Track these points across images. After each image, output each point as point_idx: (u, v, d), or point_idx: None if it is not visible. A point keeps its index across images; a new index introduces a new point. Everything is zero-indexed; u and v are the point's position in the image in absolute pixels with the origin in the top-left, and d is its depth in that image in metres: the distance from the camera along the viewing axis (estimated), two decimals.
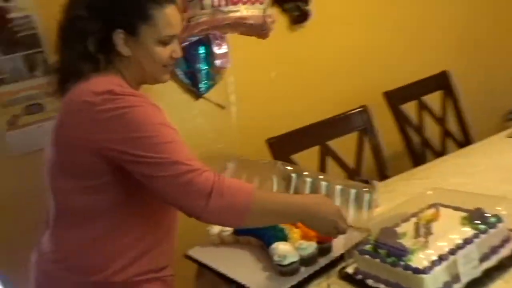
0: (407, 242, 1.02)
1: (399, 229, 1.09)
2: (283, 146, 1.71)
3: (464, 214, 1.10)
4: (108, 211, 1.03)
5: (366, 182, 1.40)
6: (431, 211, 1.13)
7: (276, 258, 1.12)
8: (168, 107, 1.11)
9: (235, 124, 2.00)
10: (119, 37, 1.00)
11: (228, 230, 1.41)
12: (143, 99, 0.98)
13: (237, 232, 1.40)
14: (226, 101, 1.97)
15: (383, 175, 1.85)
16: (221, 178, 0.93)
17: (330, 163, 1.80)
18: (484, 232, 1.01)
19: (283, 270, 1.11)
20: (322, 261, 1.15)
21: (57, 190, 1.05)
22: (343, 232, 1.06)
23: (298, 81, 2.13)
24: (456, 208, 1.15)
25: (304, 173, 1.26)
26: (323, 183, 1.24)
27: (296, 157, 1.73)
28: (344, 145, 1.86)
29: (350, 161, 1.84)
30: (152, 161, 0.91)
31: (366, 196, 1.23)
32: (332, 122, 1.86)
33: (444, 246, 0.97)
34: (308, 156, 1.78)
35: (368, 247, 1.05)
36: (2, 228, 1.59)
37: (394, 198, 1.41)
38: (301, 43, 2.09)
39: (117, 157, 0.95)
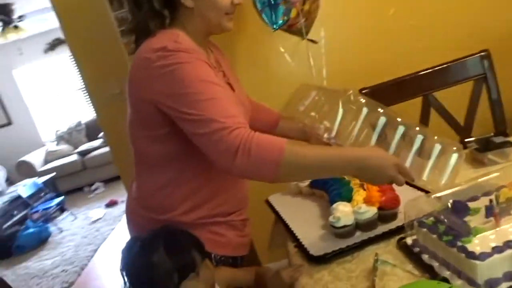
0: (476, 220, 0.89)
1: (472, 204, 0.94)
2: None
3: None
4: (174, 159, 1.11)
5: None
6: None
7: (331, 219, 1.08)
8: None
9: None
10: None
11: (306, 181, 1.41)
12: (194, 55, 1.00)
13: (311, 185, 1.39)
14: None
15: (501, 134, 1.57)
16: (250, 135, 0.92)
17: (435, 118, 1.60)
18: None
19: (336, 232, 1.08)
20: (382, 228, 1.07)
21: (133, 140, 1.16)
22: (400, 184, 0.96)
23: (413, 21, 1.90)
24: None
25: (379, 109, 1.09)
26: (401, 126, 1.06)
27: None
28: (455, 96, 1.62)
29: (460, 116, 1.61)
30: (191, 118, 0.95)
31: (453, 157, 1.06)
32: (441, 70, 1.62)
33: None
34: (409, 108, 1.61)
35: (429, 220, 0.94)
36: None
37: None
38: None
39: (168, 112, 1.00)
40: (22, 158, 6.07)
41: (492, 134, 1.37)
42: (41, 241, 4.30)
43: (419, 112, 1.64)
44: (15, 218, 4.49)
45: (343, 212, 1.09)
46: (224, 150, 0.92)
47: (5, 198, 4.70)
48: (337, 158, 0.95)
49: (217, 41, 1.28)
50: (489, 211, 0.87)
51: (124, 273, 0.96)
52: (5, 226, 4.33)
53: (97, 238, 4.04)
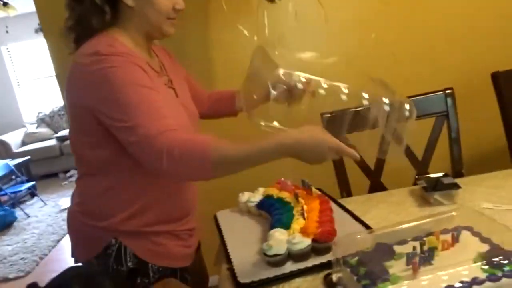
0: (397, 266, 0.88)
1: (399, 248, 0.94)
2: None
3: (485, 248, 0.89)
4: (112, 165, 1.10)
5: None
6: (446, 236, 0.94)
7: (264, 246, 1.07)
8: None
9: None
10: None
11: (254, 201, 1.40)
12: (127, 58, 1.00)
13: (258, 206, 1.38)
14: None
15: (457, 174, 1.59)
16: (175, 137, 0.92)
17: None
18: (495, 279, 0.81)
19: (268, 260, 1.06)
20: (313, 261, 1.06)
21: (73, 145, 1.15)
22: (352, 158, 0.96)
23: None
24: (485, 240, 0.93)
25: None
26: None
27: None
28: (415, 131, 1.62)
29: (418, 151, 1.61)
30: (121, 125, 0.96)
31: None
32: None
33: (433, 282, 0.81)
34: None
35: (354, 259, 0.93)
36: None
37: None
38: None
39: (102, 118, 0.99)
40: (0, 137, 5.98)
41: (443, 174, 1.37)
42: (5, 225, 4.24)
43: None
44: None
45: (277, 241, 1.07)
46: (151, 156, 0.92)
47: None
48: (268, 144, 0.92)
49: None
50: (409, 259, 0.86)
51: None
52: None
53: (62, 228, 3.98)
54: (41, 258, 3.45)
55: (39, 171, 5.72)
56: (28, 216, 4.46)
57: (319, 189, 1.51)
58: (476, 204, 1.25)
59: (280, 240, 1.08)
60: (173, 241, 1.19)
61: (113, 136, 1.02)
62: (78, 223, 1.18)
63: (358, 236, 1.01)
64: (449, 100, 1.61)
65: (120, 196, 1.12)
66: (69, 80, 1.05)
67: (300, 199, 1.29)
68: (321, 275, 1.03)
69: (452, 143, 1.61)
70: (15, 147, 5.99)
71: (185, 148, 0.91)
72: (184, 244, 1.23)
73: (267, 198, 1.37)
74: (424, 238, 0.92)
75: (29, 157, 5.46)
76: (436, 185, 1.31)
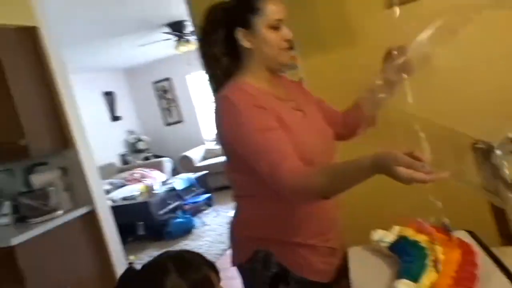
0: None
1: None
2: None
3: None
4: (258, 189, 1.27)
5: None
6: None
7: None
8: None
9: None
10: (239, 34, 1.25)
11: (386, 241, 1.31)
12: (248, 103, 1.19)
13: (391, 248, 1.29)
14: None
15: None
16: (292, 177, 1.09)
17: None
18: None
19: None
20: None
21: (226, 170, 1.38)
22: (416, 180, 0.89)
23: None
24: None
25: None
26: None
27: None
28: None
29: None
30: (250, 160, 1.18)
31: None
32: None
33: None
34: None
35: None
36: None
37: None
38: None
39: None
40: (185, 153, 6.94)
41: None
42: (187, 231, 4.87)
43: None
44: (169, 207, 5.17)
45: None
46: (279, 192, 1.13)
47: (164, 188, 5.45)
48: (352, 164, 1.02)
49: None
50: None
51: None
52: (161, 212, 5.02)
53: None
54: None
55: (215, 184, 6.42)
56: (205, 224, 5.04)
57: (470, 232, 1.33)
58: None
59: None
60: (314, 256, 1.31)
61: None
62: (236, 232, 1.40)
63: None
64: None
65: (270, 216, 1.30)
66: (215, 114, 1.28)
67: (437, 246, 1.16)
68: None
69: None
70: (197, 161, 6.86)
71: (298, 186, 1.10)
72: (324, 260, 1.34)
73: (401, 240, 1.27)
74: None
75: (207, 171, 6.18)
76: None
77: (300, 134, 1.24)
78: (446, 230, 1.22)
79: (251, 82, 1.27)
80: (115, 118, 7.50)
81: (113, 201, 5.45)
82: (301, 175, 1.09)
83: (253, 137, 1.15)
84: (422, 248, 1.18)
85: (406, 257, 1.17)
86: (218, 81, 1.30)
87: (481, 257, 1.15)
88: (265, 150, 1.13)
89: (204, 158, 7.02)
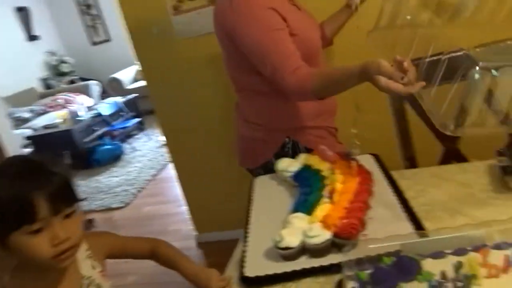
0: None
1: (428, 264, 0.72)
2: None
3: None
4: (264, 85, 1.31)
5: None
6: (498, 254, 0.68)
7: (276, 237, 0.92)
8: None
9: None
10: None
11: (291, 170, 1.23)
12: (260, 2, 1.22)
13: (294, 177, 1.21)
14: None
15: None
16: (297, 79, 1.15)
17: None
18: None
19: (279, 253, 0.92)
20: (332, 258, 0.89)
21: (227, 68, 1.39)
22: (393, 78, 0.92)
23: None
24: None
25: None
26: None
27: None
28: None
29: None
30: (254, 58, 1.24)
31: None
32: None
33: None
34: None
35: (365, 273, 0.74)
36: None
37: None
38: None
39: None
40: (114, 75, 6.48)
41: None
42: (115, 158, 4.68)
43: None
44: (95, 134, 4.89)
45: (291, 231, 0.92)
46: (284, 90, 1.20)
47: (90, 114, 5.11)
48: (344, 70, 1.09)
49: None
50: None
51: None
52: (86, 139, 4.75)
53: (159, 163, 4.26)
54: (139, 191, 3.76)
55: (147, 107, 6.12)
56: (135, 150, 4.86)
57: (374, 155, 1.28)
58: None
59: (296, 229, 0.92)
60: (329, 137, 1.42)
61: None
62: (253, 131, 1.40)
63: (372, 245, 0.79)
64: None
65: (280, 108, 1.34)
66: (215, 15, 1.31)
67: (337, 175, 1.09)
68: (338, 277, 0.86)
69: None
70: (127, 83, 6.44)
71: (297, 89, 1.17)
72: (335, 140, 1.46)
73: (304, 169, 1.20)
74: (465, 257, 0.68)
75: (138, 94, 5.84)
76: None
77: (306, 31, 1.31)
78: (347, 156, 1.15)
79: None
80: (32, 38, 6.73)
81: (34, 129, 5.07)
82: (301, 79, 1.15)
83: (260, 37, 1.19)
84: (322, 178, 1.11)
85: (305, 188, 1.10)
86: None
87: (380, 180, 1.12)
88: (270, 51, 1.18)
89: (135, 80, 6.60)
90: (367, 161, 1.23)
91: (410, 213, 0.97)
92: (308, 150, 1.33)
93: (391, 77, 0.91)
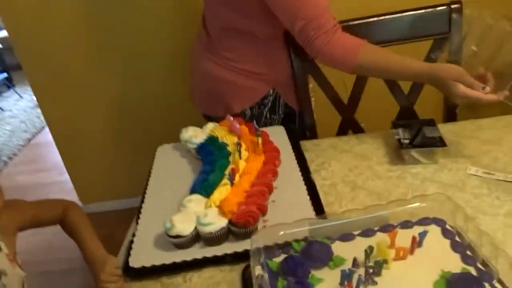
0: (329, 279, 0.64)
1: (338, 247, 0.69)
2: None
3: (455, 261, 0.64)
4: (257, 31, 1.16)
5: None
6: (406, 233, 0.68)
7: (167, 223, 0.82)
8: None
9: None
10: None
11: (195, 142, 1.12)
12: None
13: (198, 150, 1.11)
14: None
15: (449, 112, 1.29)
16: (332, 40, 1.01)
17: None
18: None
19: (171, 241, 0.82)
20: (229, 247, 0.82)
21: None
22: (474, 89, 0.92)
23: None
24: (457, 246, 0.68)
25: None
26: None
27: None
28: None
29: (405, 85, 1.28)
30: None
31: None
32: (396, 20, 1.24)
33: None
34: None
35: (274, 262, 0.70)
36: None
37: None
38: None
39: None
40: None
41: (428, 119, 1.08)
42: None
43: None
44: None
45: (184, 217, 0.83)
46: (309, 49, 1.05)
47: None
48: (407, 67, 1.00)
49: None
50: (344, 277, 0.61)
51: None
52: None
53: (35, 125, 3.78)
54: (10, 159, 3.31)
55: (15, 61, 5.36)
56: (2, 110, 4.24)
57: (284, 126, 1.23)
58: (461, 167, 0.98)
59: (189, 215, 0.83)
60: None
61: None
62: (234, 76, 1.22)
63: (283, 232, 0.74)
64: (454, 17, 1.23)
65: (273, 57, 1.22)
66: None
67: (242, 152, 1.01)
68: (242, 265, 0.80)
69: None
70: None
71: (343, 55, 1.02)
72: None
73: (210, 142, 1.10)
74: (373, 244, 0.66)
75: (2, 45, 5.05)
76: (415, 138, 1.02)
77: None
78: (255, 130, 1.07)
79: None
80: None
81: None
82: (348, 47, 1.03)
83: None
84: (227, 155, 1.02)
85: (207, 165, 1.00)
86: None
87: (287, 156, 1.08)
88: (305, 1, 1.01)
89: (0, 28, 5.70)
90: (279, 133, 1.18)
91: (314, 195, 0.92)
92: (288, 108, 1.30)
93: (472, 85, 0.92)
